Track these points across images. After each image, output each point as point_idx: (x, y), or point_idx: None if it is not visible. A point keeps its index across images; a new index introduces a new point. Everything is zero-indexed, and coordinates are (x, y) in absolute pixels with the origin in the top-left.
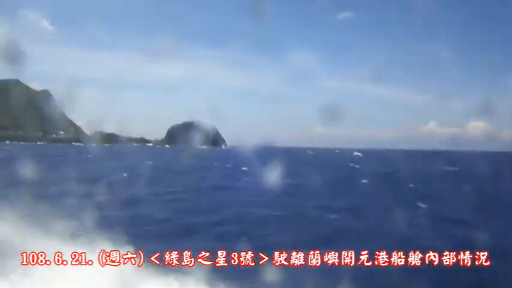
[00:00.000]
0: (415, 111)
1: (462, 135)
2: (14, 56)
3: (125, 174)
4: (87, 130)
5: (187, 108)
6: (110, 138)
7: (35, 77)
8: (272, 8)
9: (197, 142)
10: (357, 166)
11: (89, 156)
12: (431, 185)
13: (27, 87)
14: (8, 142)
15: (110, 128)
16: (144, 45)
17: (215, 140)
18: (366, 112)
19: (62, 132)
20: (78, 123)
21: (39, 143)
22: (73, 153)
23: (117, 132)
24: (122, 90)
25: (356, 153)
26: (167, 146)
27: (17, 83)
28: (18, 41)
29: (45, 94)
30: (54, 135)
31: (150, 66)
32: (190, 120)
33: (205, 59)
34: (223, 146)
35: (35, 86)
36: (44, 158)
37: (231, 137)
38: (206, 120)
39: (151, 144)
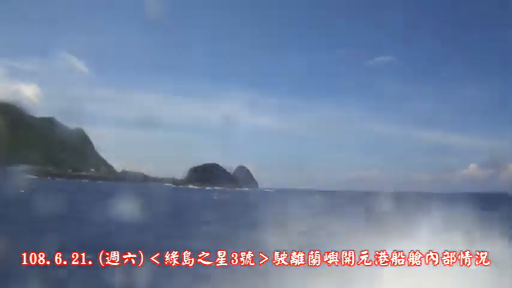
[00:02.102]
0: (455, 153)
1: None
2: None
3: None
4: (117, 168)
5: (216, 149)
6: (136, 177)
7: (70, 116)
8: (304, 50)
9: (216, 183)
10: None
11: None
12: None
13: (61, 125)
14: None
15: (137, 167)
16: (175, 86)
17: (236, 181)
18: (405, 155)
19: (92, 170)
20: (110, 161)
21: (66, 178)
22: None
23: (144, 172)
24: (151, 130)
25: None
26: (180, 186)
27: (51, 121)
28: (55, 82)
29: (79, 132)
30: (84, 173)
31: (180, 107)
32: (211, 161)
33: (237, 101)
34: (246, 188)
35: (70, 124)
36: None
37: (266, 179)
38: (235, 162)
39: (169, 184)
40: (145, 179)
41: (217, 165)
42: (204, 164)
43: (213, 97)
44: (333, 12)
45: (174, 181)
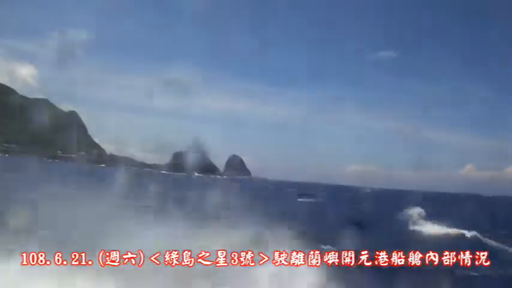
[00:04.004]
0: (452, 153)
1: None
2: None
3: None
4: (108, 152)
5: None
6: (125, 161)
7: (65, 98)
8: (304, 44)
9: (194, 169)
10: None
11: None
12: None
13: (54, 107)
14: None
15: (126, 151)
16: (172, 73)
17: (214, 169)
18: (399, 152)
19: (82, 153)
20: (103, 145)
21: (56, 160)
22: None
23: (131, 156)
24: (145, 115)
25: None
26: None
27: (44, 102)
28: (50, 63)
29: (72, 115)
30: (73, 155)
31: (173, 93)
32: (190, 148)
33: (235, 91)
34: (224, 176)
35: (65, 107)
36: None
37: (262, 169)
38: (230, 151)
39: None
40: (131, 163)
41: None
42: (186, 150)
43: (210, 87)
44: (335, 5)
45: (153, 166)
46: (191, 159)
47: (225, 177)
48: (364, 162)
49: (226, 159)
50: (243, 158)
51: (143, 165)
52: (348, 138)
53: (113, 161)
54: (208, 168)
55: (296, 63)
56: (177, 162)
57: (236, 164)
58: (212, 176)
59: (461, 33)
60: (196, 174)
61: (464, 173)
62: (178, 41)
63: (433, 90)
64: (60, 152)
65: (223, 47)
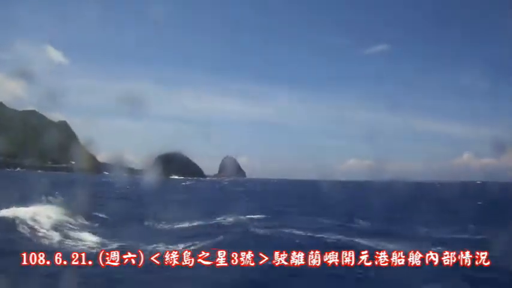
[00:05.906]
0: (450, 142)
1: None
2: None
3: None
4: (101, 160)
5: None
6: (115, 169)
7: (54, 108)
8: (301, 40)
9: (178, 173)
10: None
11: None
12: None
13: (44, 118)
14: (18, 169)
15: (118, 159)
16: (160, 75)
17: (199, 170)
18: (398, 144)
19: (73, 162)
20: (95, 153)
21: (39, 171)
22: None
23: (122, 163)
24: (135, 120)
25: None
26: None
27: (34, 113)
28: (35, 73)
29: (63, 125)
30: (64, 165)
31: (159, 96)
32: (173, 151)
33: (231, 91)
34: (207, 178)
35: (56, 117)
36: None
37: (259, 170)
38: (226, 153)
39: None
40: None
41: (180, 154)
42: (167, 153)
43: (205, 87)
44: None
45: (132, 170)
46: (172, 162)
47: (207, 178)
48: (360, 156)
49: (220, 161)
50: (239, 159)
51: (133, 171)
52: (344, 133)
53: (105, 168)
54: (192, 170)
55: (292, 62)
56: (159, 166)
57: (230, 166)
58: (195, 178)
59: (456, 24)
60: (176, 177)
61: (461, 161)
62: (167, 44)
63: (428, 81)
64: (50, 162)
65: (216, 48)
